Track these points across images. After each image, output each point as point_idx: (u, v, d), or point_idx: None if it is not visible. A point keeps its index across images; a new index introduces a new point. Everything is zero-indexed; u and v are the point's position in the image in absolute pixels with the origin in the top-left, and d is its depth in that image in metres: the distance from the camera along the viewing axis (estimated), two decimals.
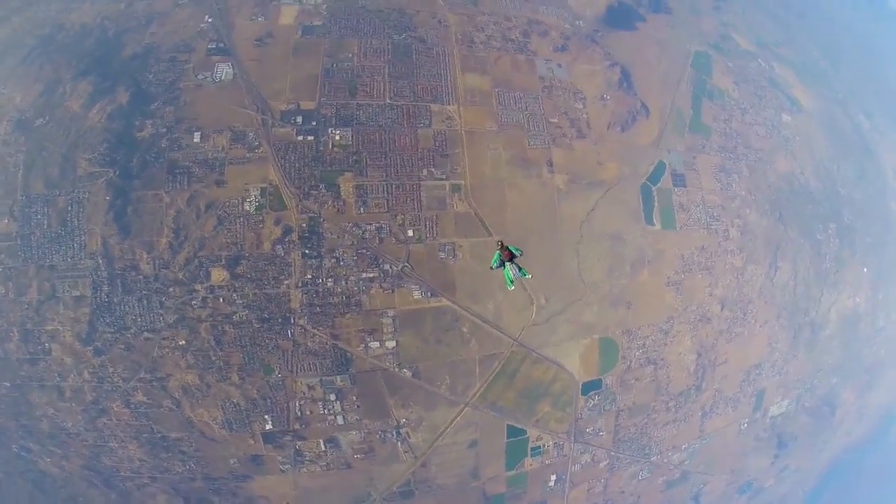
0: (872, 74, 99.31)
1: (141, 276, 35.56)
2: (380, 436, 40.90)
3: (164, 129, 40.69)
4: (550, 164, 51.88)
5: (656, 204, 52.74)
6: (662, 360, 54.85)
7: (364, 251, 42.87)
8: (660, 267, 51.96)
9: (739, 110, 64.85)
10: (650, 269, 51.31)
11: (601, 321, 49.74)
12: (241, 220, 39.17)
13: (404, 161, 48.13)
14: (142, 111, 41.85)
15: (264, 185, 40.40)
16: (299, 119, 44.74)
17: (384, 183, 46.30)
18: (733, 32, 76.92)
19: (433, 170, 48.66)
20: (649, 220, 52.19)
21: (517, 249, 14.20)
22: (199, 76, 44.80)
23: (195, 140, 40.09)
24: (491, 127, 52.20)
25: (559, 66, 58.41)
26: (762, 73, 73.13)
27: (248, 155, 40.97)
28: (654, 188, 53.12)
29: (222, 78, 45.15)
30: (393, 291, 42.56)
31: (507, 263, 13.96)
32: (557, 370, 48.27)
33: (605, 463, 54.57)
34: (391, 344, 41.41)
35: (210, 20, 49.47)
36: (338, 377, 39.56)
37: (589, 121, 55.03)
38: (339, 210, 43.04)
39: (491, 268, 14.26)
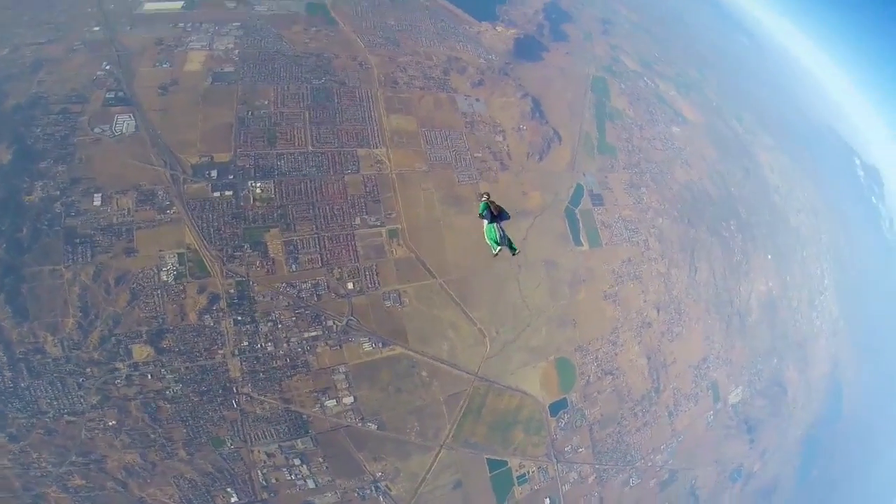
0: (735, 82, 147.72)
1: (50, 359, 38.23)
2: (358, 493, 48.15)
3: (58, 192, 43.71)
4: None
5: (581, 225, 73.32)
6: (617, 369, 72.67)
7: (303, 310, 51.27)
8: (594, 283, 71.26)
9: (637, 127, 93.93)
10: (586, 287, 70.13)
11: (552, 343, 65.42)
12: (160, 291, 43.93)
13: (334, 211, 59.07)
14: (29, 171, 44.22)
15: (181, 251, 46.15)
16: (214, 173, 52.73)
17: (315, 236, 56.17)
18: (621, 55, 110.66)
19: (366, 217, 60.50)
20: (577, 241, 72.21)
21: (506, 212, 15.33)
22: (96, 129, 49.40)
23: (95, 203, 44.04)
24: (421, 167, 67.13)
25: (478, 100, 78.13)
26: (650, 90, 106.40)
27: (158, 217, 46.62)
28: (576, 210, 74.15)
29: (123, 131, 50.76)
30: (341, 347, 51.55)
31: (496, 223, 15.01)
32: (522, 397, 61.65)
33: (592, 477, 68.87)
34: (349, 400, 49.81)
35: (108, 67, 55.68)
36: (298, 441, 46.11)
37: (510, 152, 74.47)
38: (269, 270, 51.06)
39: (480, 215, 15.52)
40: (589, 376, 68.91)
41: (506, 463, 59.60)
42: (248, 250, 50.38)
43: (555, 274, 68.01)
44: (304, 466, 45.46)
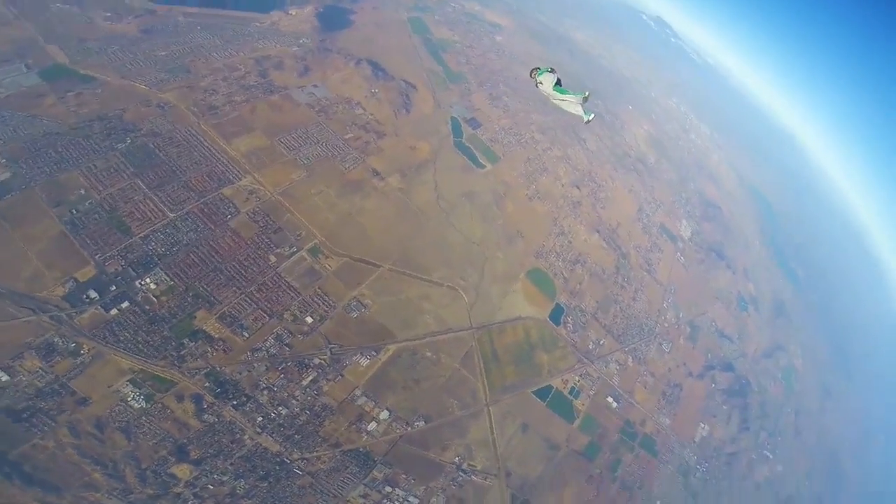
0: None
1: None
2: (454, 484, 63.37)
3: None
4: (376, 172, 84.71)
5: (474, 150, 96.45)
6: (581, 254, 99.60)
7: (284, 365, 60.58)
8: (514, 191, 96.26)
9: (468, 48, 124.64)
10: (510, 198, 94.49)
11: (514, 261, 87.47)
12: (144, 417, 50.66)
13: (242, 262, 68.06)
14: None
15: (130, 377, 52.15)
16: (92, 293, 56.32)
17: (243, 296, 64.93)
18: None
19: (279, 250, 71.06)
20: (479, 165, 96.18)
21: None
22: None
23: (3, 379, 47.57)
24: (299, 175, 79.62)
25: (315, 86, 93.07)
26: (460, 13, 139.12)
27: (79, 361, 51.12)
28: (463, 140, 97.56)
29: None
30: (342, 375, 63.19)
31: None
32: (522, 323, 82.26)
33: (630, 360, 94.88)
34: (385, 415, 62.94)
35: None
36: (374, 471, 58.69)
37: (377, 118, 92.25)
38: (225, 349, 59.00)
39: (537, 78, 19.31)
40: (562, 273, 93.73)
41: (551, 387, 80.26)
42: (190, 344, 57.41)
43: (478, 201, 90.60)
44: (397, 489, 59.48)
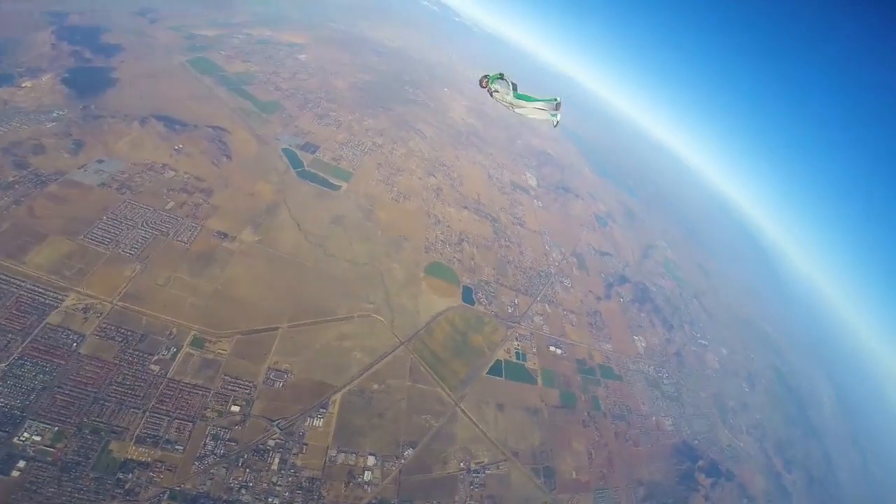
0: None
1: None
2: (474, 487, 74.26)
3: None
4: (223, 234, 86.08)
5: (322, 174, 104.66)
6: (461, 232, 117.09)
7: (239, 459, 62.47)
8: (379, 201, 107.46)
9: (272, 75, 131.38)
10: (378, 208, 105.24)
11: (410, 264, 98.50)
12: None
13: (123, 383, 64.14)
14: None
15: None
16: None
17: (147, 413, 61.98)
18: (190, 29, 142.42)
19: (157, 356, 68.00)
20: (333, 188, 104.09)
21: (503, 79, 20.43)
22: None
23: None
24: (133, 270, 75.78)
25: (100, 161, 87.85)
26: (249, 41, 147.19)
27: None
28: (306, 168, 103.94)
29: None
30: (306, 444, 66.17)
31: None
32: (443, 317, 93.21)
33: (548, 306, 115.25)
34: (371, 461, 68.66)
35: None
36: None
37: (196, 175, 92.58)
38: (168, 469, 58.96)
39: (489, 82, 20.42)
40: (455, 257, 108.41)
41: (500, 361, 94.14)
42: (128, 476, 58.81)
43: (349, 223, 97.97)
44: None
